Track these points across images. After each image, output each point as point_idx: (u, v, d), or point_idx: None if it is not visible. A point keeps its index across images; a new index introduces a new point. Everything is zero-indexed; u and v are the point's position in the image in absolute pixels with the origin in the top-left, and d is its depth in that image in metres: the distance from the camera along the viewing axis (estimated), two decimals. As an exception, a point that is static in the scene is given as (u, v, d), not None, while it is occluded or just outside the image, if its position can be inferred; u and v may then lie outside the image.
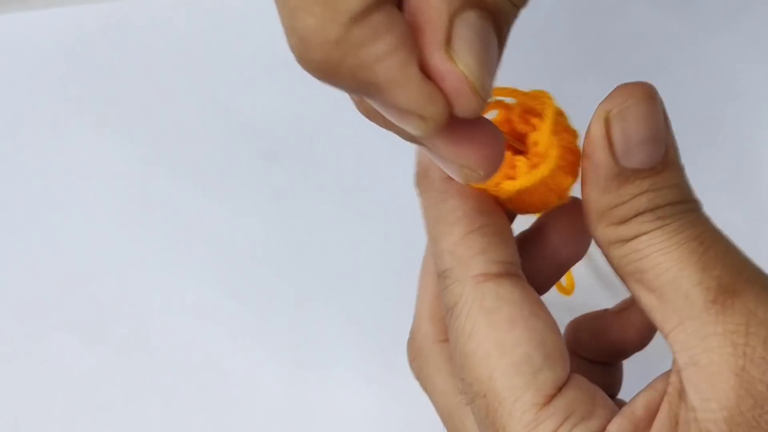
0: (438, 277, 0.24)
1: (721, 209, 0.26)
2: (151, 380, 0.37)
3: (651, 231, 0.22)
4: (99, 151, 0.42)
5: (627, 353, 0.30)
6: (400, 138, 0.21)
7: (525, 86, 0.43)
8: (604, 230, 0.23)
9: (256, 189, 0.41)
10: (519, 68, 0.45)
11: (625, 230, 0.23)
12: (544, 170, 0.24)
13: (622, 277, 0.24)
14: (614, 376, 0.31)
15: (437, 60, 0.18)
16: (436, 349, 0.26)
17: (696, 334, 0.22)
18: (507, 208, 0.26)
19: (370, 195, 0.41)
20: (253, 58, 0.44)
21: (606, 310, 0.30)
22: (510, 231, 0.25)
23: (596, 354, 0.30)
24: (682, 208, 0.23)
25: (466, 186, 0.24)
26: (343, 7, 0.17)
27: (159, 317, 0.38)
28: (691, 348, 0.22)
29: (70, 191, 0.41)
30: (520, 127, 0.26)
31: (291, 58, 0.19)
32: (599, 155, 0.23)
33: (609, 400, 0.24)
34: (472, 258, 0.24)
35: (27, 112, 0.43)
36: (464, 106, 0.19)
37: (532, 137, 0.25)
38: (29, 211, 0.41)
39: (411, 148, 0.24)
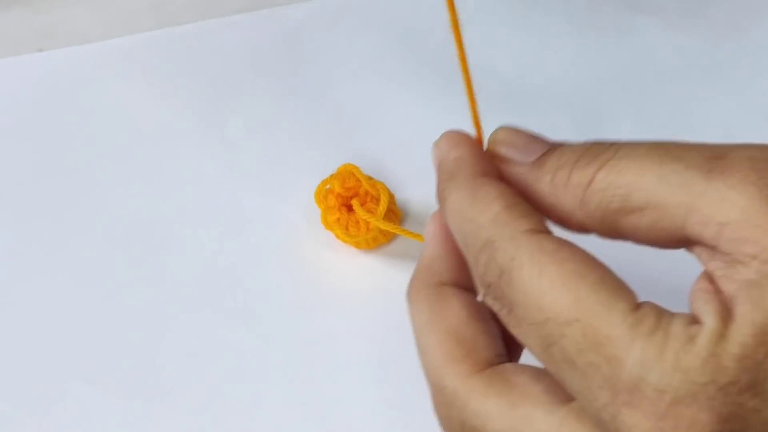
0: (479, 255, 0.24)
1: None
2: (174, 427, 0.37)
3: (603, 165, 0.23)
4: (106, 196, 0.42)
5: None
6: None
7: (535, 103, 0.43)
8: (568, 198, 0.24)
9: (270, 226, 0.41)
10: (528, 86, 0.45)
11: (578, 176, 0.24)
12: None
13: (612, 225, 0.24)
14: None
15: None
16: (473, 381, 0.25)
17: (711, 206, 0.22)
18: None
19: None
20: (259, 94, 0.44)
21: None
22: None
23: None
24: (602, 144, 0.24)
25: (494, 179, 0.25)
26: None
27: (178, 363, 0.38)
28: (714, 216, 0.22)
29: (79, 239, 0.41)
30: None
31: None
32: (514, 172, 0.25)
33: None
34: (518, 219, 0.24)
35: (32, 156, 0.43)
36: None
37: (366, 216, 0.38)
38: (41, 262, 0.40)
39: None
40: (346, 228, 0.38)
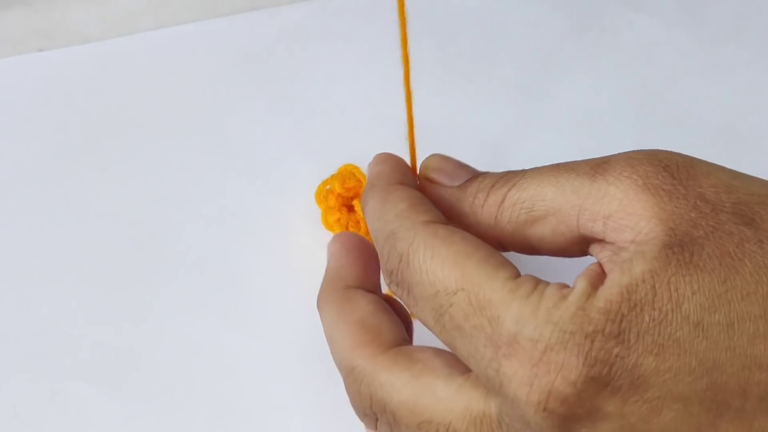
0: (383, 246, 0.27)
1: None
2: (171, 425, 0.36)
3: (513, 185, 0.27)
4: (105, 195, 0.42)
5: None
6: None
7: (535, 101, 0.43)
8: (485, 216, 0.27)
9: (270, 226, 0.41)
10: (528, 84, 0.45)
11: (493, 197, 0.27)
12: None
13: (523, 237, 0.27)
14: None
15: None
16: (379, 359, 0.28)
17: (596, 203, 0.25)
18: None
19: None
20: (259, 94, 0.44)
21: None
22: None
23: None
24: (516, 171, 0.28)
25: (405, 185, 0.29)
26: None
27: (176, 361, 0.38)
28: (599, 211, 0.25)
29: (80, 233, 0.41)
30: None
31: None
32: (441, 193, 0.29)
33: None
34: (418, 213, 0.27)
35: (27, 155, 0.43)
36: None
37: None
38: (39, 260, 0.40)
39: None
40: (347, 228, 0.38)
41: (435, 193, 0.29)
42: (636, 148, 0.26)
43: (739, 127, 0.43)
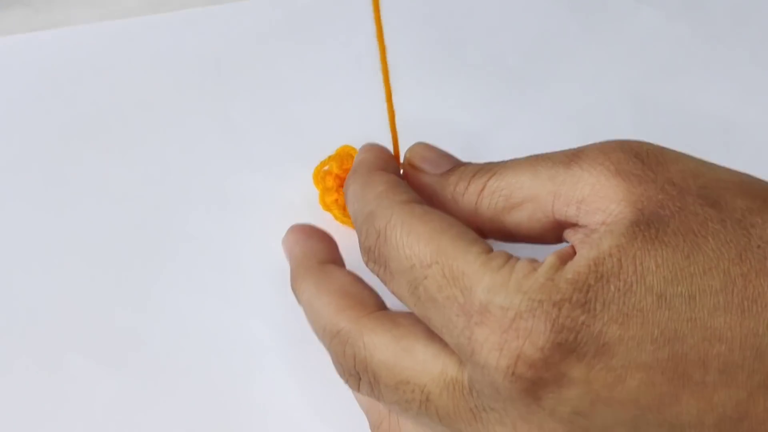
0: (362, 226, 0.28)
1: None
2: (172, 404, 0.36)
3: (493, 174, 0.28)
4: (108, 175, 0.42)
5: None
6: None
7: (536, 91, 0.43)
8: (465, 204, 0.29)
9: (268, 207, 0.40)
10: (530, 74, 0.45)
11: (473, 186, 0.28)
12: None
13: (501, 224, 0.28)
14: None
15: None
16: (363, 320, 0.29)
17: (570, 189, 0.26)
18: None
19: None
20: (264, 77, 0.44)
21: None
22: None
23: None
24: (497, 162, 0.29)
25: (386, 172, 0.30)
26: None
27: (176, 340, 0.37)
28: (572, 196, 0.26)
29: (83, 215, 0.41)
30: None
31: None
32: (424, 180, 0.30)
33: None
34: (396, 194, 0.28)
35: (33, 134, 0.43)
36: None
37: None
38: (42, 239, 0.40)
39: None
40: (344, 209, 0.38)
41: (418, 180, 0.30)
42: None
43: (739, 122, 0.43)
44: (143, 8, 0.47)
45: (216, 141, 0.42)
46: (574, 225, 0.26)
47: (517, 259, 0.25)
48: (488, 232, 0.29)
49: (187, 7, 0.47)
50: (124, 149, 0.42)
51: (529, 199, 0.27)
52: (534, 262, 0.25)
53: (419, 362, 0.27)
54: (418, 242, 0.26)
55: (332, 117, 0.43)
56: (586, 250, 0.24)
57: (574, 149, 0.27)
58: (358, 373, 0.28)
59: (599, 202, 0.25)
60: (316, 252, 0.32)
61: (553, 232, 0.27)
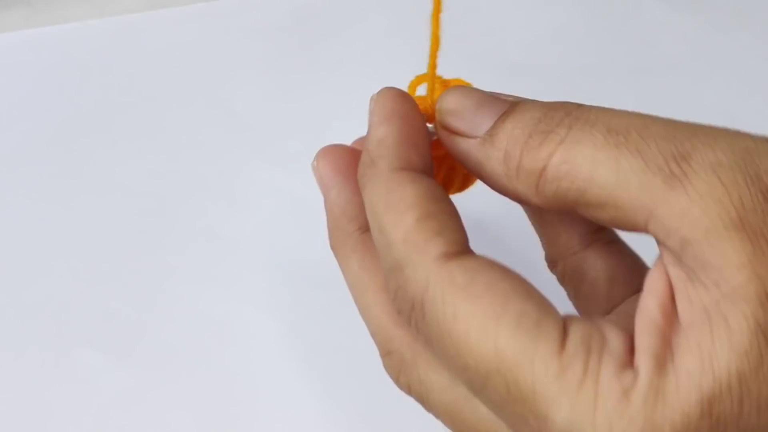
0: (389, 275, 0.22)
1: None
2: (178, 395, 0.36)
3: (555, 150, 0.21)
4: (114, 167, 0.42)
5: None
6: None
7: (540, 85, 0.43)
8: (522, 184, 0.22)
9: (275, 199, 0.40)
10: (535, 68, 0.45)
11: (529, 162, 0.22)
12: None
13: (572, 209, 0.22)
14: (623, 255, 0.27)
15: None
16: (419, 348, 0.24)
17: (673, 219, 0.20)
18: None
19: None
20: (269, 72, 0.44)
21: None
22: (459, 215, 0.23)
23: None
24: (555, 116, 0.22)
25: (415, 174, 0.23)
26: None
27: (183, 332, 0.37)
28: (676, 230, 0.20)
29: (89, 207, 0.40)
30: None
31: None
32: (463, 149, 0.23)
33: (609, 319, 0.22)
34: (429, 241, 0.22)
35: (41, 128, 0.43)
36: None
37: None
38: (48, 231, 0.40)
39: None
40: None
41: (456, 148, 0.24)
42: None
43: (743, 114, 0.43)
44: (143, 9, 0.47)
45: (223, 133, 0.43)
46: (673, 251, 0.21)
47: (599, 361, 0.20)
48: (556, 212, 0.23)
49: (186, 4, 0.47)
50: (126, 144, 0.42)
51: (611, 203, 0.21)
52: (622, 372, 0.19)
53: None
54: (467, 335, 0.21)
55: (337, 111, 0.43)
56: (697, 366, 0.19)
57: (677, 147, 0.20)
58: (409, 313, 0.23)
59: (711, 254, 0.19)
60: (354, 210, 0.26)
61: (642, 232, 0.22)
